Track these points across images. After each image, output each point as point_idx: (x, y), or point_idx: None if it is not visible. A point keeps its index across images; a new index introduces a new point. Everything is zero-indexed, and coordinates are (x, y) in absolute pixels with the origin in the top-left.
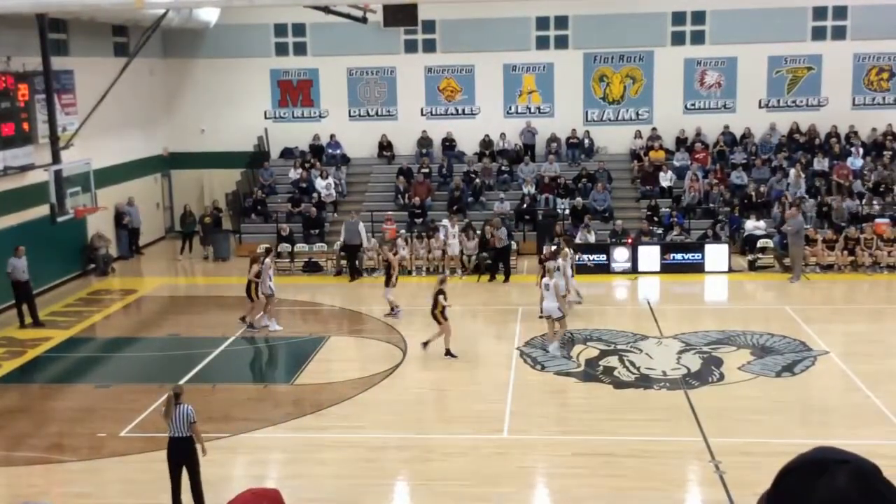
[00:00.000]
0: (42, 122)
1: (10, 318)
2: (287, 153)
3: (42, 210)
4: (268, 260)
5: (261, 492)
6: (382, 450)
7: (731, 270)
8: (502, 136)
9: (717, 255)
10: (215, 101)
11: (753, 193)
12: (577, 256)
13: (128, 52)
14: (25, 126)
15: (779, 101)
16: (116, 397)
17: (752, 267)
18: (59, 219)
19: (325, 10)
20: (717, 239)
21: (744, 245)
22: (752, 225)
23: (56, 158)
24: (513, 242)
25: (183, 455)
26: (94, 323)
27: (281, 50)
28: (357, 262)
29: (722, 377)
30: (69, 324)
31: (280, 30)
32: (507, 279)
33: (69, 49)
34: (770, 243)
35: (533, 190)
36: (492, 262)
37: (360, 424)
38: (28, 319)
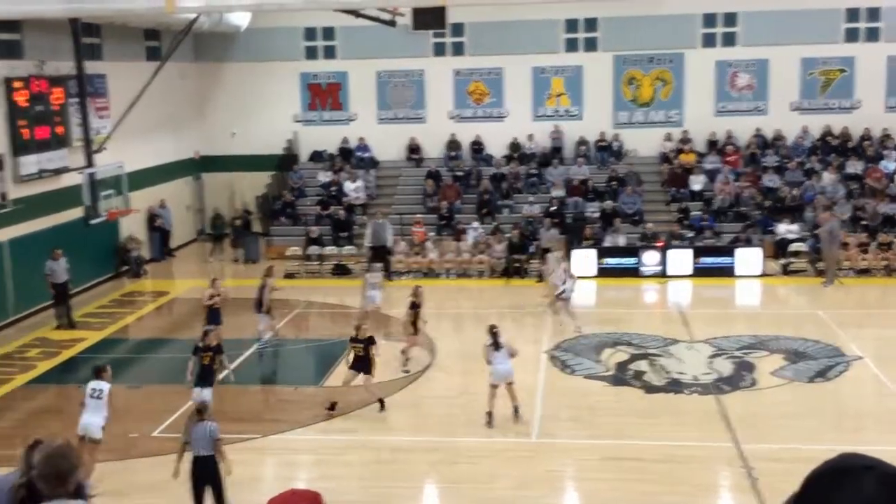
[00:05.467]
0: (76, 125)
1: (44, 319)
2: (316, 156)
3: (76, 212)
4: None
5: (301, 492)
6: (410, 452)
7: (763, 274)
8: (530, 137)
9: (749, 258)
10: (245, 104)
11: (786, 197)
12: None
13: (160, 56)
14: (60, 129)
15: (811, 103)
16: (148, 398)
17: (785, 271)
18: (93, 221)
19: (355, 13)
20: (748, 242)
21: (776, 249)
22: (785, 228)
23: (90, 161)
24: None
25: (207, 475)
26: (126, 324)
27: (310, 53)
28: (385, 265)
29: (754, 382)
30: (103, 325)
31: (310, 33)
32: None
33: (102, 53)
34: (803, 247)
35: (562, 193)
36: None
37: (388, 427)
38: (63, 320)
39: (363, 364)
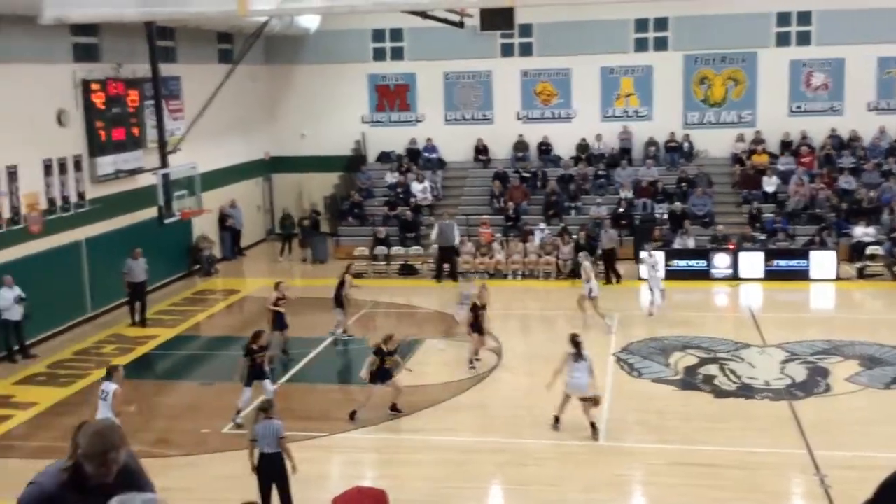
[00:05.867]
0: (151, 126)
1: (120, 317)
2: (384, 157)
3: (150, 212)
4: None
5: (367, 490)
6: (476, 453)
7: (838, 278)
8: (598, 137)
9: (823, 262)
10: (315, 105)
11: (863, 199)
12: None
13: (232, 59)
14: (135, 131)
15: (889, 103)
16: (219, 395)
17: (861, 275)
18: (167, 221)
19: (423, 15)
20: (823, 245)
21: (852, 252)
22: (862, 231)
23: (164, 162)
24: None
25: (273, 472)
26: (198, 322)
27: (379, 55)
28: (452, 265)
29: (828, 388)
30: (175, 322)
31: (378, 35)
32: (618, 280)
33: (177, 56)
34: (880, 250)
35: (630, 194)
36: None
37: (454, 427)
38: (136, 317)
39: (388, 375)
